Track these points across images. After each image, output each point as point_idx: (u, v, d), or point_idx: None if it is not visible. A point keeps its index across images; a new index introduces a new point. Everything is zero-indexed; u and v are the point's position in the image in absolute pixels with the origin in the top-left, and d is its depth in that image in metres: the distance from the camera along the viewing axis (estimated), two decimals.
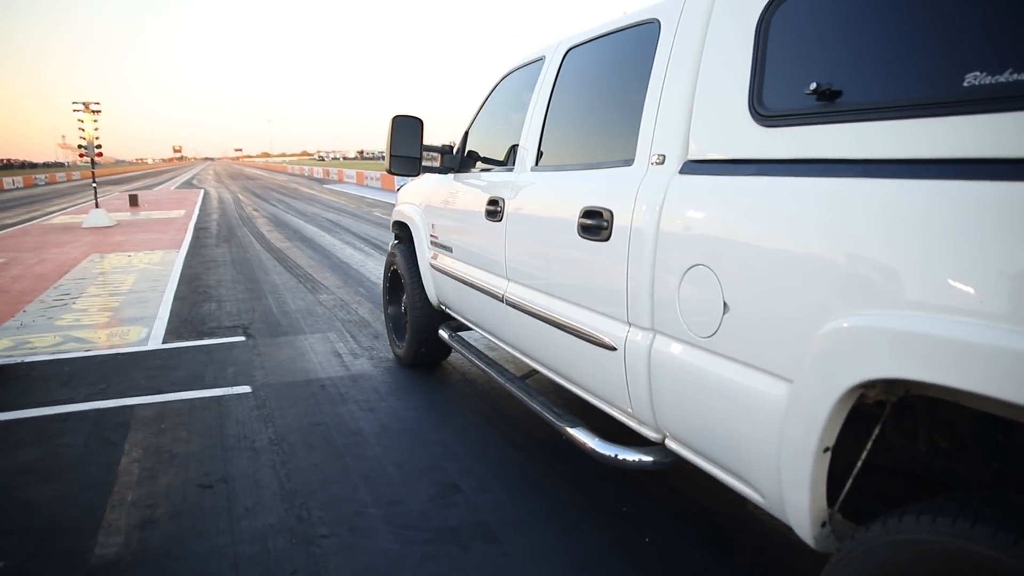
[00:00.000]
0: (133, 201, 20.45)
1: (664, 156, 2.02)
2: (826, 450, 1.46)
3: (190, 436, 3.54)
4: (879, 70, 1.48)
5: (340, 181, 37.65)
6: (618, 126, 2.32)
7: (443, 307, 4.12)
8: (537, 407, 2.87)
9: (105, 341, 5.40)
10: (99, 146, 16.21)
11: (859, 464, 1.57)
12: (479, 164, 3.58)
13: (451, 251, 3.76)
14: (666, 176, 1.98)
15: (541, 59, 3.06)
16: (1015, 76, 1.19)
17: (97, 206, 15.51)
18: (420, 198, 4.32)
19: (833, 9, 1.62)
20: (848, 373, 1.36)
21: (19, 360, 4.84)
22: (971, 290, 1.17)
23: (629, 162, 2.17)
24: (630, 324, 2.11)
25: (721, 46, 1.90)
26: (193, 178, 50.11)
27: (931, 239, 1.25)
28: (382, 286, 5.13)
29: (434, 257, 4.03)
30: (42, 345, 5.20)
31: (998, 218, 1.15)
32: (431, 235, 4.08)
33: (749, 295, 1.65)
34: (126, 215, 17.21)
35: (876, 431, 1.54)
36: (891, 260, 1.32)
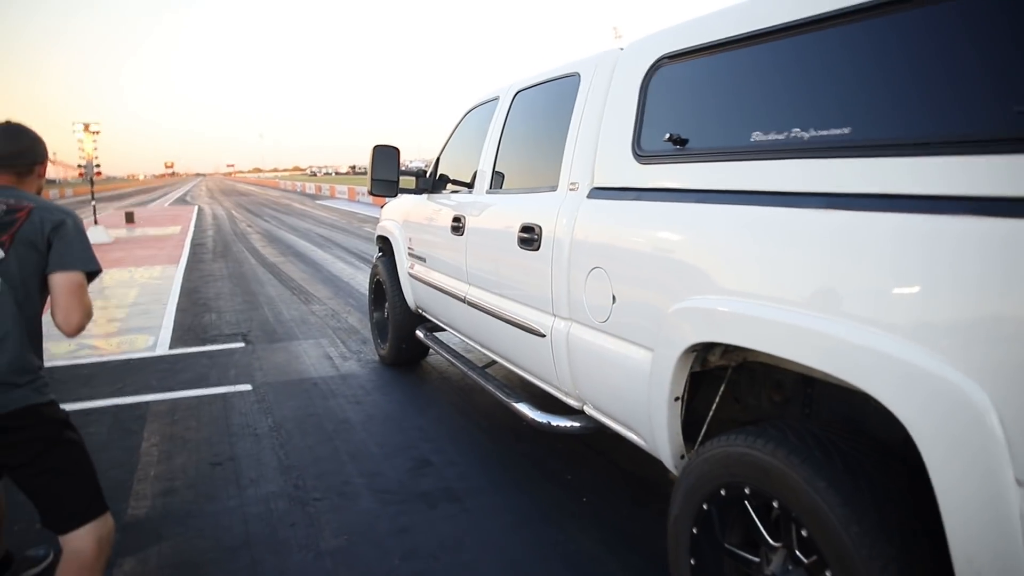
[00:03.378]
0: (129, 218, 20.96)
1: (577, 184, 2.60)
2: (676, 399, 2.02)
3: (200, 425, 4.08)
4: (711, 126, 2.06)
5: (332, 197, 38.18)
6: (548, 158, 2.89)
7: (420, 310, 4.68)
8: (492, 388, 3.43)
9: (116, 348, 5.93)
10: (98, 165, 16.76)
11: (710, 414, 2.13)
12: (448, 186, 4.15)
13: (425, 261, 4.32)
14: (578, 200, 2.56)
15: (496, 99, 3.64)
16: (783, 135, 1.77)
17: (96, 223, 16.02)
18: (399, 215, 4.89)
19: (687, 78, 2.20)
20: (684, 339, 1.92)
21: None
22: (760, 279, 1.74)
23: (554, 188, 2.74)
24: (554, 315, 2.68)
25: (618, 98, 2.48)
26: (186, 194, 50.62)
27: (733, 245, 1.83)
28: (368, 294, 5.68)
29: (411, 267, 4.59)
30: (59, 352, 5.72)
31: (777, 234, 1.72)
32: (409, 247, 4.64)
33: (628, 288, 2.22)
34: (123, 232, 17.71)
35: (722, 389, 2.11)
36: (710, 260, 1.89)
